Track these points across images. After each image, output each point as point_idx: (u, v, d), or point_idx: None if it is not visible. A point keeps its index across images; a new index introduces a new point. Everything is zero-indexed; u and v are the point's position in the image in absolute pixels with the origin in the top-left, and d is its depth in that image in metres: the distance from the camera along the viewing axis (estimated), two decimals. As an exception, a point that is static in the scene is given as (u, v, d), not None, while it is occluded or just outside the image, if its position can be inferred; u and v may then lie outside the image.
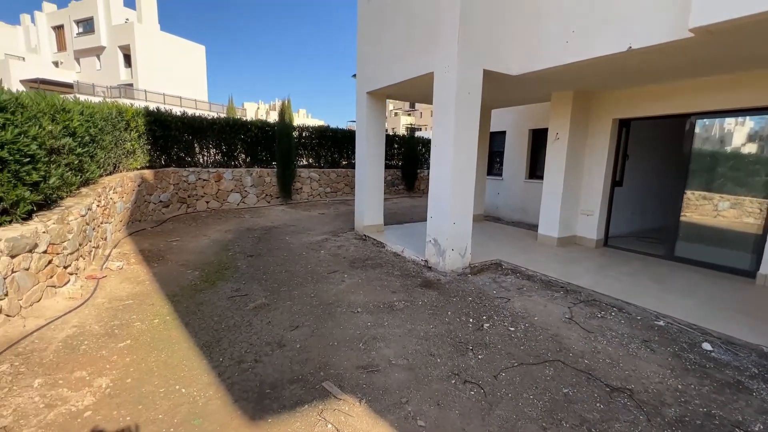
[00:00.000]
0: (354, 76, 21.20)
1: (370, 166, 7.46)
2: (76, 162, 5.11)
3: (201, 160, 10.26)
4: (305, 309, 4.06)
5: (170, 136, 9.21)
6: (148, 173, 8.27)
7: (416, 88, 6.64)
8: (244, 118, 10.72)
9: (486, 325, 3.68)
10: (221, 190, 10.28)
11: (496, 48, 5.20)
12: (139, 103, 12.18)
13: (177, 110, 9.64)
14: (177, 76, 32.76)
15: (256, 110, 77.42)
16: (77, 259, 4.46)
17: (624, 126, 6.49)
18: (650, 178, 7.59)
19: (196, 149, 10.14)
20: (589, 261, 5.93)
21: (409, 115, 69.84)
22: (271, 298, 4.36)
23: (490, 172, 10.68)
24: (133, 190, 7.54)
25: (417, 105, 72.13)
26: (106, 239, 5.88)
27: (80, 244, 4.57)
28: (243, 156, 10.88)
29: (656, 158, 7.53)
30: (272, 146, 11.26)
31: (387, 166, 14.70)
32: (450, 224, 5.23)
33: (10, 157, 3.53)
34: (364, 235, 7.49)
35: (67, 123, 4.90)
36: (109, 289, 4.40)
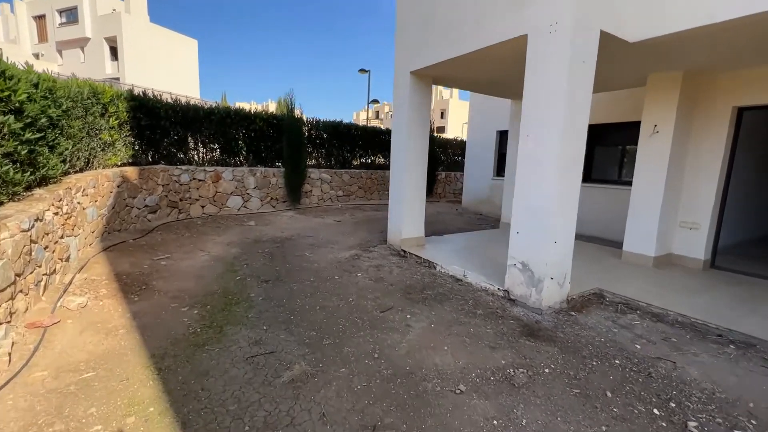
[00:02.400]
0: (361, 71, 19.84)
1: (411, 166, 5.99)
2: (23, 152, 3.56)
3: (196, 157, 8.67)
4: (373, 384, 2.57)
5: (159, 127, 7.63)
6: (130, 171, 6.68)
7: (480, 66, 5.21)
8: (247, 109, 9.19)
9: (692, 425, 2.23)
10: (220, 193, 8.70)
11: (610, 3, 3.80)
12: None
13: (167, 97, 8.06)
14: (167, 71, 30.87)
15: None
16: (11, 299, 2.89)
17: (741, 116, 5.15)
18: (753, 176, 6.28)
19: (190, 144, 8.55)
20: (713, 290, 4.54)
21: (406, 117, 68.56)
22: (312, 359, 2.85)
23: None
24: (111, 192, 5.95)
25: (414, 107, 71.10)
26: (68, 259, 4.30)
27: (19, 274, 3.01)
28: (244, 153, 9.32)
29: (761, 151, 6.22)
30: (279, 143, 9.72)
31: (403, 168, 13.25)
32: (551, 244, 3.79)
33: None
34: (403, 251, 6.01)
35: (6, 95, 3.35)
36: (61, 348, 2.84)
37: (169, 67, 31.42)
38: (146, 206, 7.11)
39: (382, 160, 12.85)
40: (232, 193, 8.92)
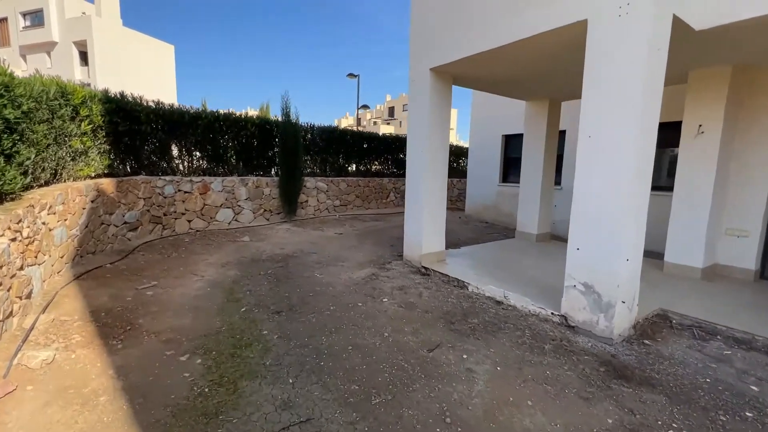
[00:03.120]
0: (350, 75, 19.19)
1: (432, 172, 5.39)
2: (-33, 162, 2.75)
3: (181, 167, 7.81)
4: (459, 467, 1.90)
5: (139, 133, 6.76)
6: (107, 184, 5.80)
7: (513, 62, 4.68)
8: (238, 113, 8.40)
9: None
10: (208, 206, 7.86)
11: (678, -14, 3.33)
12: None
13: (149, 100, 7.21)
14: (142, 77, 29.40)
15: (228, 118, 73.27)
16: (-55, 366, 2.09)
17: (787, 115, 4.80)
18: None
19: (175, 152, 7.70)
20: (776, 305, 4.10)
21: (388, 124, 68.54)
22: (365, 429, 2.16)
23: (543, 180, 8.87)
24: (84, 209, 5.08)
25: (396, 114, 70.94)
26: (29, 296, 3.44)
27: (-43, 329, 2.20)
28: (234, 161, 8.51)
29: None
30: (272, 150, 8.98)
31: (399, 174, 12.68)
32: (622, 261, 3.23)
33: None
34: (424, 267, 5.38)
35: (-58, 86, 2.55)
36: (16, 433, 2.05)
37: (144, 73, 29.98)
38: (126, 223, 6.22)
39: (378, 167, 12.23)
40: (221, 205, 8.08)
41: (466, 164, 16.30)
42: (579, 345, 3.26)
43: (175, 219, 7.33)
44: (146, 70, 30.18)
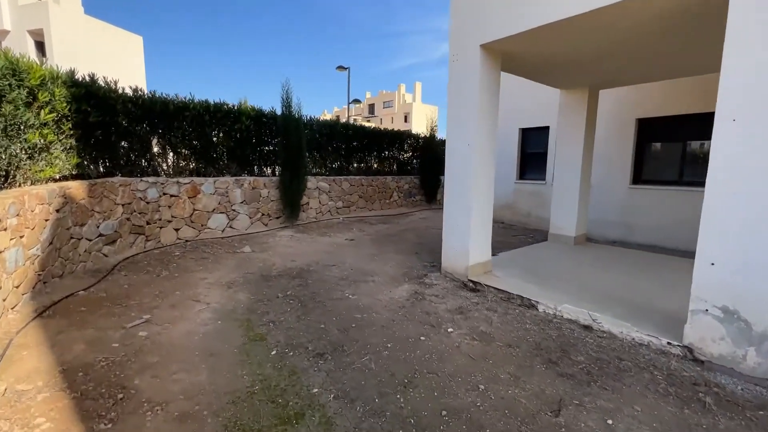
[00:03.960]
0: (339, 68, 18.17)
1: (480, 169, 4.58)
2: None
3: (165, 166, 6.66)
4: None
5: (115, 126, 5.60)
6: (76, 188, 4.65)
7: (587, 36, 3.90)
8: (231, 104, 7.29)
9: None
10: (198, 211, 6.74)
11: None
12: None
13: (125, 87, 6.01)
14: (107, 70, 27.15)
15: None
16: None
17: None
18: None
19: (157, 149, 6.55)
20: None
21: (368, 121, 67.53)
22: None
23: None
24: (47, 221, 3.94)
25: (377, 111, 70.05)
26: (-32, 356, 2.37)
27: None
28: (227, 160, 7.40)
29: None
30: (269, 146, 7.93)
31: (400, 172, 11.83)
32: (783, 281, 2.50)
33: None
34: (471, 281, 4.56)
35: None
36: None
37: (110, 66, 27.65)
38: (101, 236, 5.07)
39: (379, 165, 11.32)
40: (214, 210, 6.98)
41: None
42: (727, 388, 2.52)
43: (161, 228, 6.19)
44: (112, 63, 27.92)
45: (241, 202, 7.40)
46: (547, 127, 8.48)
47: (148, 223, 5.94)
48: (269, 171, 8.25)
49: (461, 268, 4.71)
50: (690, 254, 6.15)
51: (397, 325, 3.46)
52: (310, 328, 3.38)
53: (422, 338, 3.20)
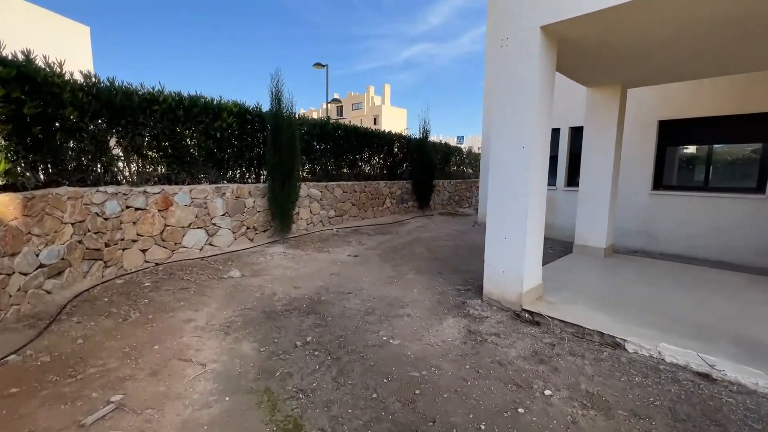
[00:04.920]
0: (317, 65, 17.07)
1: (535, 176, 3.82)
2: None
3: (128, 173, 5.38)
4: None
5: (61, 120, 4.32)
6: (4, 204, 3.38)
7: (653, 27, 3.25)
8: (209, 98, 6.10)
9: None
10: (171, 227, 5.52)
11: None
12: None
13: (73, 72, 4.71)
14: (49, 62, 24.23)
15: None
16: None
17: None
18: None
19: (118, 151, 5.26)
20: None
21: (337, 123, 66.04)
22: None
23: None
24: (-43, 256, 2.70)
25: (345, 113, 68.69)
26: None
27: None
28: (204, 164, 6.20)
29: None
30: (256, 148, 6.80)
31: (391, 176, 10.99)
32: None
33: None
34: (527, 312, 3.79)
35: None
36: None
37: (52, 58, 24.77)
38: (42, 267, 3.79)
39: (369, 169, 10.39)
40: (190, 225, 5.77)
41: (457, 164, 15.00)
42: None
43: (124, 250, 4.93)
44: (53, 54, 24.96)
45: (223, 215, 6.23)
46: (558, 129, 7.97)
47: (107, 245, 4.68)
48: (253, 177, 7.11)
49: (513, 295, 3.92)
50: (724, 265, 5.74)
51: (474, 387, 2.59)
52: (357, 400, 2.44)
53: (519, 410, 2.35)
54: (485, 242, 4.21)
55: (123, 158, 5.31)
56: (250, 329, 3.43)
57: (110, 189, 4.76)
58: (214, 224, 6.11)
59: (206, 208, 5.97)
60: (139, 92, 5.21)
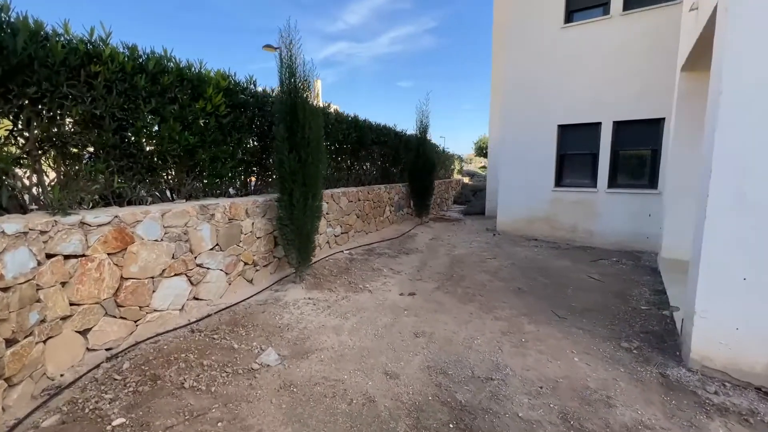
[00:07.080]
0: (267, 47, 14.39)
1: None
2: None
3: (42, 189, 2.88)
4: None
5: None
6: None
7: None
8: (183, 63, 3.78)
9: None
10: (132, 280, 3.14)
11: None
12: None
13: None
14: None
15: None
16: None
17: None
18: None
19: (22, 142, 2.76)
20: None
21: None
22: None
23: (633, 182, 6.95)
24: None
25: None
26: None
27: None
28: (177, 169, 3.86)
29: None
30: (261, 146, 4.59)
31: (387, 179, 9.26)
32: None
33: None
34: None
35: None
36: None
37: None
38: None
39: (363, 169, 8.51)
40: (163, 272, 3.43)
41: (452, 169, 13.76)
42: None
43: (44, 342, 2.52)
44: None
45: (212, 249, 3.95)
46: (598, 124, 7.04)
47: (8, 343, 2.25)
48: (250, 188, 4.86)
49: (759, 365, 2.58)
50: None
51: None
52: None
53: None
54: (696, 281, 2.81)
55: (31, 160, 2.81)
56: None
57: (9, 224, 2.33)
58: (199, 265, 3.81)
59: (187, 241, 3.66)
60: (65, 41, 2.78)
